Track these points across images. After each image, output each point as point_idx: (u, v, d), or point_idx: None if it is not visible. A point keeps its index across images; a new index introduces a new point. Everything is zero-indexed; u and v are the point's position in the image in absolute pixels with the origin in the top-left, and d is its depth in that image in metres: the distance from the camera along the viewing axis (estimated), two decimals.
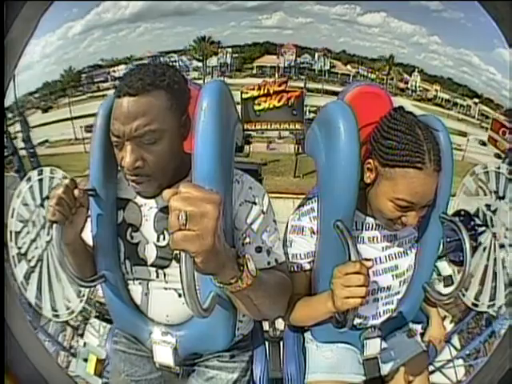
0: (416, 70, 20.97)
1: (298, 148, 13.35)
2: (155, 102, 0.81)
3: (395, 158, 0.88)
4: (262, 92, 12.69)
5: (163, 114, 0.82)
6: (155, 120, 0.81)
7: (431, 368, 2.73)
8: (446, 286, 1.11)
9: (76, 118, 16.80)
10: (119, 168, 0.89)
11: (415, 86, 21.04)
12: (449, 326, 3.40)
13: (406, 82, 21.08)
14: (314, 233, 0.99)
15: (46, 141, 16.23)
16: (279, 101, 12.69)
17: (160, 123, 0.81)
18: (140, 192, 0.89)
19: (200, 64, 20.76)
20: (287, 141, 15.54)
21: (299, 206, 1.06)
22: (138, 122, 0.80)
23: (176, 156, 0.87)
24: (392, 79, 20.97)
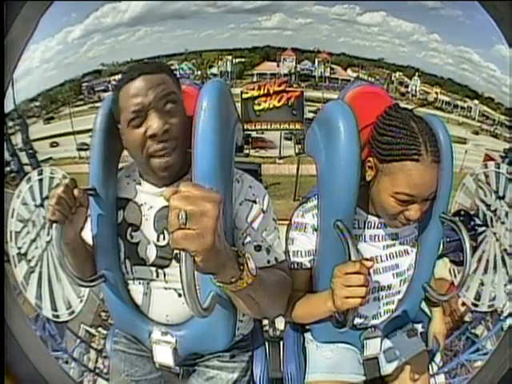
0: (416, 73, 20.99)
1: (299, 148, 13.30)
2: (167, 78, 0.88)
3: (392, 153, 0.88)
4: (262, 92, 12.71)
5: (176, 89, 0.90)
6: (171, 89, 0.88)
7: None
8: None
9: (78, 132, 16.73)
10: (132, 152, 0.90)
11: (415, 90, 21.05)
12: None
13: (407, 86, 21.09)
14: (315, 230, 1.00)
15: (50, 158, 16.24)
16: (279, 101, 12.70)
17: (176, 93, 0.89)
18: (165, 169, 0.88)
19: (200, 73, 20.90)
20: (287, 161, 15.43)
21: (301, 204, 1.06)
22: (158, 90, 0.85)
23: (189, 127, 0.89)
24: (392, 82, 20.98)
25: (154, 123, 0.84)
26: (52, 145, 17.19)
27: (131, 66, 0.91)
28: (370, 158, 0.94)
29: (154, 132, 0.84)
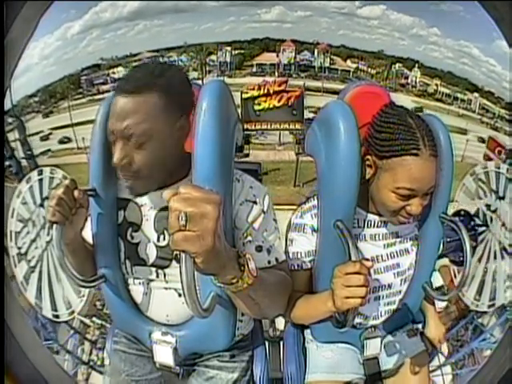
0: (416, 65, 20.94)
1: (298, 148, 13.28)
2: (147, 104, 0.81)
3: (391, 149, 0.89)
4: (262, 92, 12.70)
5: (154, 117, 0.82)
6: (144, 122, 0.81)
7: None
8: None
9: (77, 124, 16.71)
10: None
11: (415, 82, 20.99)
12: None
13: (406, 78, 21.04)
14: (315, 231, 1.00)
15: (49, 150, 16.15)
16: (279, 101, 12.70)
17: (149, 125, 0.81)
18: (129, 188, 0.88)
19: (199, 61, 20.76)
20: (287, 147, 15.41)
21: (300, 204, 1.07)
22: (127, 121, 0.81)
23: (168, 159, 0.86)
24: (392, 74, 20.91)
25: (116, 153, 0.83)
26: (63, 141, 17.05)
27: (133, 68, 0.88)
28: (369, 157, 0.94)
29: (114, 161, 0.83)
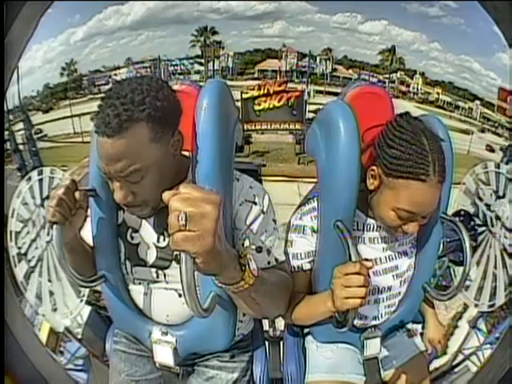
0: (417, 72, 21.07)
1: (299, 148, 13.26)
2: (135, 140, 0.75)
3: (399, 169, 0.86)
4: (262, 92, 12.70)
5: (146, 149, 0.77)
6: (138, 159, 0.77)
7: (461, 357, 2.71)
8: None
9: (75, 115, 16.89)
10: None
11: (417, 89, 21.11)
12: (474, 311, 3.32)
13: (408, 85, 21.17)
14: (314, 232, 1.00)
15: (45, 135, 16.33)
16: (279, 101, 12.70)
17: (144, 160, 0.77)
18: (137, 215, 0.88)
19: (202, 68, 20.87)
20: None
21: (300, 205, 1.07)
22: (120, 164, 0.76)
23: (168, 175, 0.84)
24: (394, 82, 21.02)
25: (116, 193, 0.81)
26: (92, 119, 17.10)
27: (108, 100, 0.76)
28: (375, 168, 0.92)
29: (117, 200, 0.82)
